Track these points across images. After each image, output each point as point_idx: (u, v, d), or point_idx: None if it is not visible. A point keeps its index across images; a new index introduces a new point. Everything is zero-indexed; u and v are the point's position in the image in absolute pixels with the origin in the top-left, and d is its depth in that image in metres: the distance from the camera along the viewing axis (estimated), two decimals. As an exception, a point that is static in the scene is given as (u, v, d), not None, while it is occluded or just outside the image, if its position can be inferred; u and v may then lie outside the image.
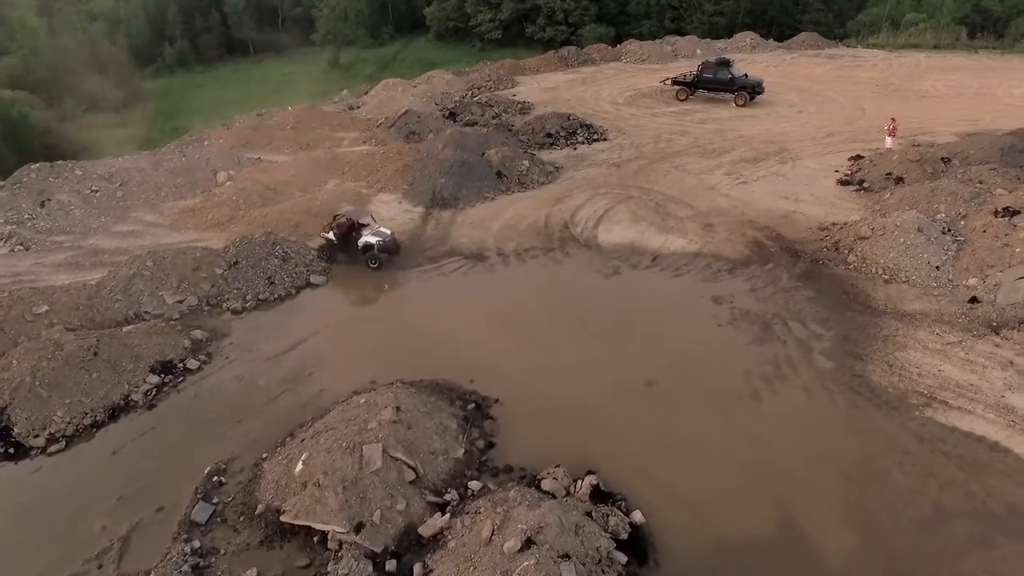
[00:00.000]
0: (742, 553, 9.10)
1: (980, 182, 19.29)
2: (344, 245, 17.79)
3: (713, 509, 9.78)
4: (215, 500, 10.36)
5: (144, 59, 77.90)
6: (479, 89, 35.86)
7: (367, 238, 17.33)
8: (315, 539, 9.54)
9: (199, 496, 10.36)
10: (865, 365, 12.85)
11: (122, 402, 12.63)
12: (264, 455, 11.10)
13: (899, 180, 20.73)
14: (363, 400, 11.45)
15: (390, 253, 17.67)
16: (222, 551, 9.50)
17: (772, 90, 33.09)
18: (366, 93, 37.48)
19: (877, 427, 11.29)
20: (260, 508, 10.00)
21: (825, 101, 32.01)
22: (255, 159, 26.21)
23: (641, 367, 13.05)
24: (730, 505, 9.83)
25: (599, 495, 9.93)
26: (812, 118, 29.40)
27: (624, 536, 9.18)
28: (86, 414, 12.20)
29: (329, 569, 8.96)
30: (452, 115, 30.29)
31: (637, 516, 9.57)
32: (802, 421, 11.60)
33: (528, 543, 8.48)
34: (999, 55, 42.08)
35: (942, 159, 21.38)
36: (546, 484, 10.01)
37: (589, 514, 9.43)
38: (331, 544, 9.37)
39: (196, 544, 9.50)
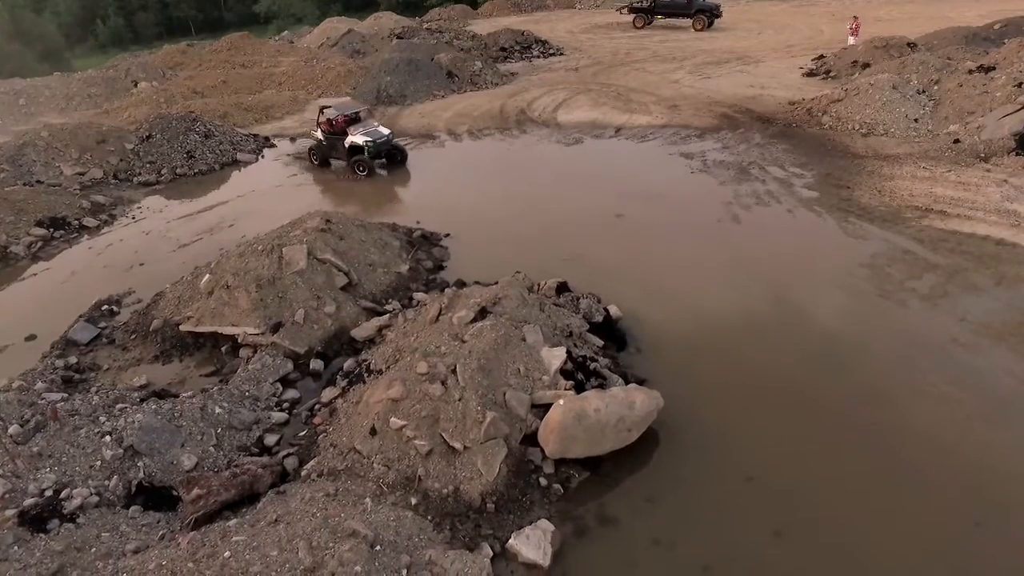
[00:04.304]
0: (732, 333, 7.74)
1: (949, 58, 18.59)
2: (333, 147, 14.11)
3: (698, 296, 8.45)
4: (103, 325, 8.50)
5: (75, 37, 73.56)
6: (430, 22, 34.15)
7: (355, 137, 13.54)
8: (223, 349, 7.80)
9: (82, 319, 8.48)
10: (852, 192, 11.72)
11: (-2, 253, 10.61)
12: (168, 285, 9.25)
13: (866, 65, 19.93)
14: (288, 222, 9.70)
15: (387, 158, 14.04)
16: (105, 367, 7.66)
17: (730, 21, 32.38)
18: (308, 34, 35.37)
19: (872, 235, 10.11)
20: (156, 324, 8.18)
21: (784, 26, 31.41)
22: (184, 77, 24.00)
23: (609, 203, 11.65)
24: (716, 292, 8.52)
25: (567, 292, 8.43)
26: (772, 37, 28.66)
27: (598, 319, 7.71)
28: (-51, 262, 10.16)
29: (240, 369, 7.24)
30: (400, 38, 28.51)
31: (613, 309, 8.10)
32: (789, 232, 10.37)
33: (483, 313, 6.93)
34: (947, -5, 42.45)
35: (908, 44, 20.71)
36: (505, 280, 8.45)
37: (557, 304, 7.95)
38: (244, 352, 7.63)
39: (72, 360, 7.65)
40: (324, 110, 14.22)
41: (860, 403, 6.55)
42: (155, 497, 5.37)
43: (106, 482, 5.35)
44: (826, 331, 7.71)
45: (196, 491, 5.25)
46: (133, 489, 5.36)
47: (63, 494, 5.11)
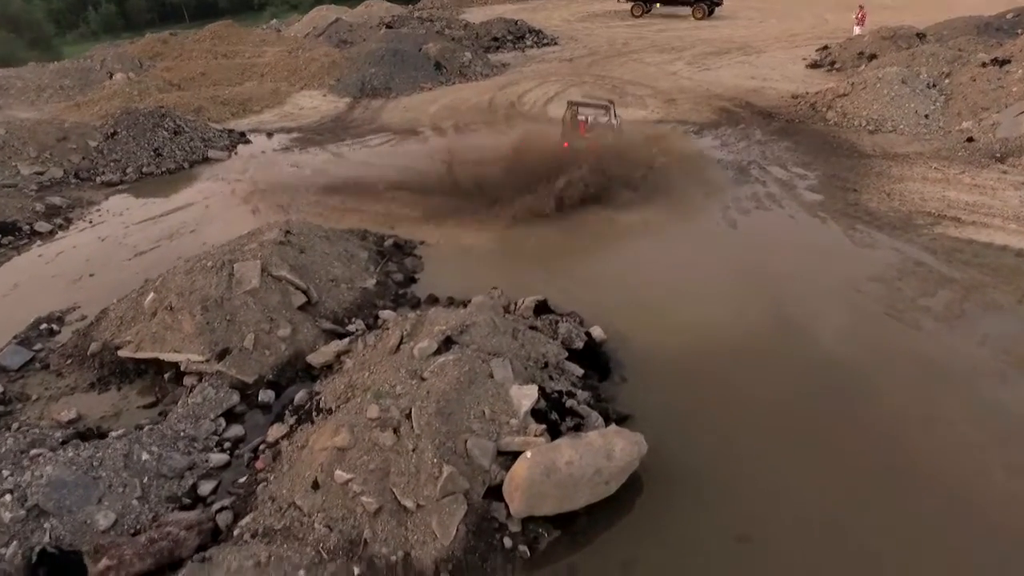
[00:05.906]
0: (727, 359, 7.01)
1: (960, 49, 17.70)
2: None
3: (690, 314, 7.70)
4: (38, 347, 7.77)
5: (66, 24, 72.24)
6: (422, 10, 33.15)
7: None
8: (166, 376, 7.07)
9: (15, 341, 7.76)
10: (859, 196, 10.96)
11: (-64, 262, 9.86)
12: (115, 301, 8.50)
13: (872, 57, 19.06)
14: (247, 232, 8.94)
15: None
16: (35, 397, 6.93)
17: (731, 9, 31.36)
18: (297, 22, 34.32)
19: (881, 244, 9.37)
20: (94, 347, 7.44)
21: (787, 14, 30.42)
22: (161, 68, 23.08)
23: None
24: (711, 310, 7.77)
25: (546, 313, 7.70)
26: (775, 26, 27.73)
27: (579, 345, 6.97)
28: None
29: (179, 403, 6.51)
30: (389, 28, 27.55)
31: (596, 331, 7.37)
32: (791, 241, 9.64)
33: (448, 343, 6.19)
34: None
35: (917, 35, 19.81)
36: (477, 300, 7.71)
37: (533, 327, 7.21)
38: (188, 380, 6.91)
39: (-2, 389, 6.92)
40: (571, 104, 12.55)
41: (869, 446, 5.83)
42: (60, 567, 4.66)
43: (2, 550, 4.65)
44: (832, 358, 6.98)
45: (104, 562, 4.55)
46: (35, 558, 4.65)
47: (-55, 569, 4.41)
